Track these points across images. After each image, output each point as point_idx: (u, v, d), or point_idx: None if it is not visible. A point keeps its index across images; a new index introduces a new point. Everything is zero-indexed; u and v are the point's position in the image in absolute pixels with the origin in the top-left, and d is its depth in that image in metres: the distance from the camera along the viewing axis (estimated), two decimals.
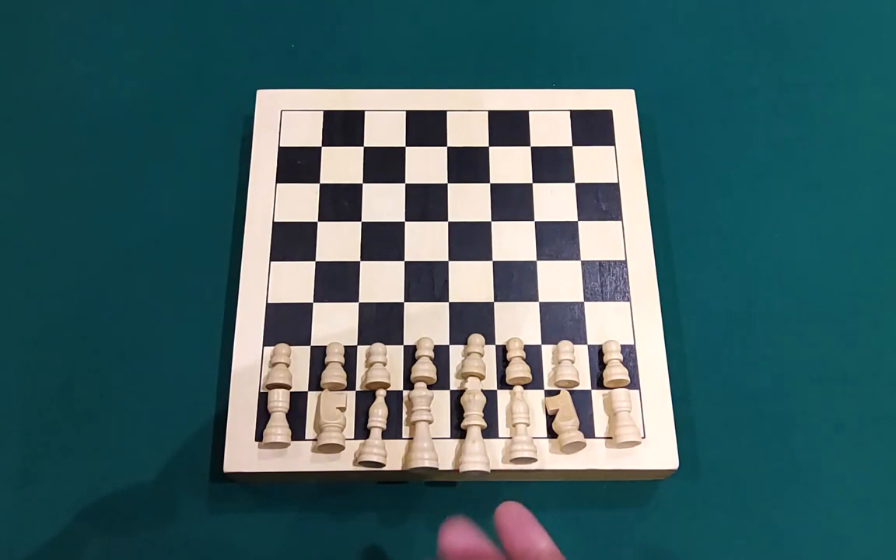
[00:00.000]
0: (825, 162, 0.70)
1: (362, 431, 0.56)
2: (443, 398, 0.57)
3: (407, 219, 0.64)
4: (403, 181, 0.65)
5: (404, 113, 0.67)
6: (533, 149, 0.66)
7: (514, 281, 0.61)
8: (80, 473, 0.58)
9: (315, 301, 0.60)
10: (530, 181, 0.65)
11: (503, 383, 0.58)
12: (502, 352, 0.59)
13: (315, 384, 0.58)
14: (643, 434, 0.56)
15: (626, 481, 0.58)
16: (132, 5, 0.76)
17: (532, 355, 0.59)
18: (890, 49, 0.75)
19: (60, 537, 0.56)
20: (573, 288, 0.61)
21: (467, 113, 0.67)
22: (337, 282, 0.61)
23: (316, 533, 0.57)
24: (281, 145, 0.66)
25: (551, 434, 0.56)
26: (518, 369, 0.57)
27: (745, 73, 0.74)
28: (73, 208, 0.67)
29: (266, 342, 0.59)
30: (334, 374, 0.57)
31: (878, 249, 0.66)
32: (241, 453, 0.55)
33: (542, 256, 0.62)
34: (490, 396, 0.57)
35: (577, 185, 0.65)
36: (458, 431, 0.56)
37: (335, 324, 0.60)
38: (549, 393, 0.58)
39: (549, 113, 0.67)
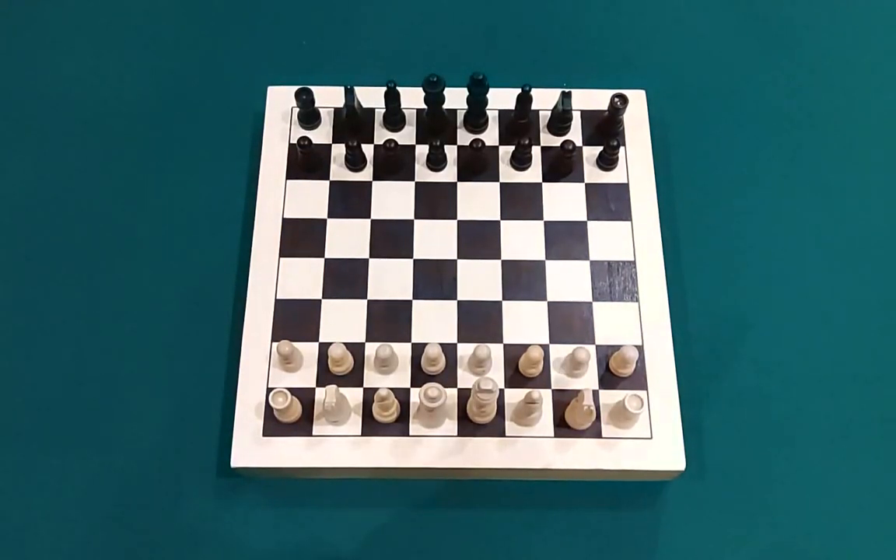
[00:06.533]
0: (835, 163, 0.69)
1: (369, 424, 0.56)
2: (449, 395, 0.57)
3: (416, 216, 0.64)
4: (413, 179, 0.65)
5: (414, 111, 0.67)
6: (542, 148, 0.66)
7: (523, 280, 0.61)
8: (87, 467, 0.58)
9: (324, 298, 0.61)
10: (539, 180, 0.65)
11: (511, 383, 0.58)
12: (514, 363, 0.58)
13: (322, 380, 0.58)
14: (650, 434, 0.56)
15: (633, 481, 0.58)
16: (143, 3, 0.76)
17: None
18: None
19: (67, 530, 0.57)
20: (582, 288, 0.61)
21: None
22: (346, 279, 0.61)
23: (321, 527, 0.57)
24: (291, 141, 0.66)
25: (559, 433, 0.56)
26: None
27: (756, 73, 0.73)
28: (84, 203, 0.67)
29: (274, 338, 0.59)
30: (341, 370, 0.57)
31: (887, 252, 0.66)
32: (248, 448, 0.56)
33: (551, 256, 0.62)
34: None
35: (587, 186, 0.65)
36: (464, 429, 0.56)
37: (343, 320, 0.60)
38: (557, 392, 0.57)
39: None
